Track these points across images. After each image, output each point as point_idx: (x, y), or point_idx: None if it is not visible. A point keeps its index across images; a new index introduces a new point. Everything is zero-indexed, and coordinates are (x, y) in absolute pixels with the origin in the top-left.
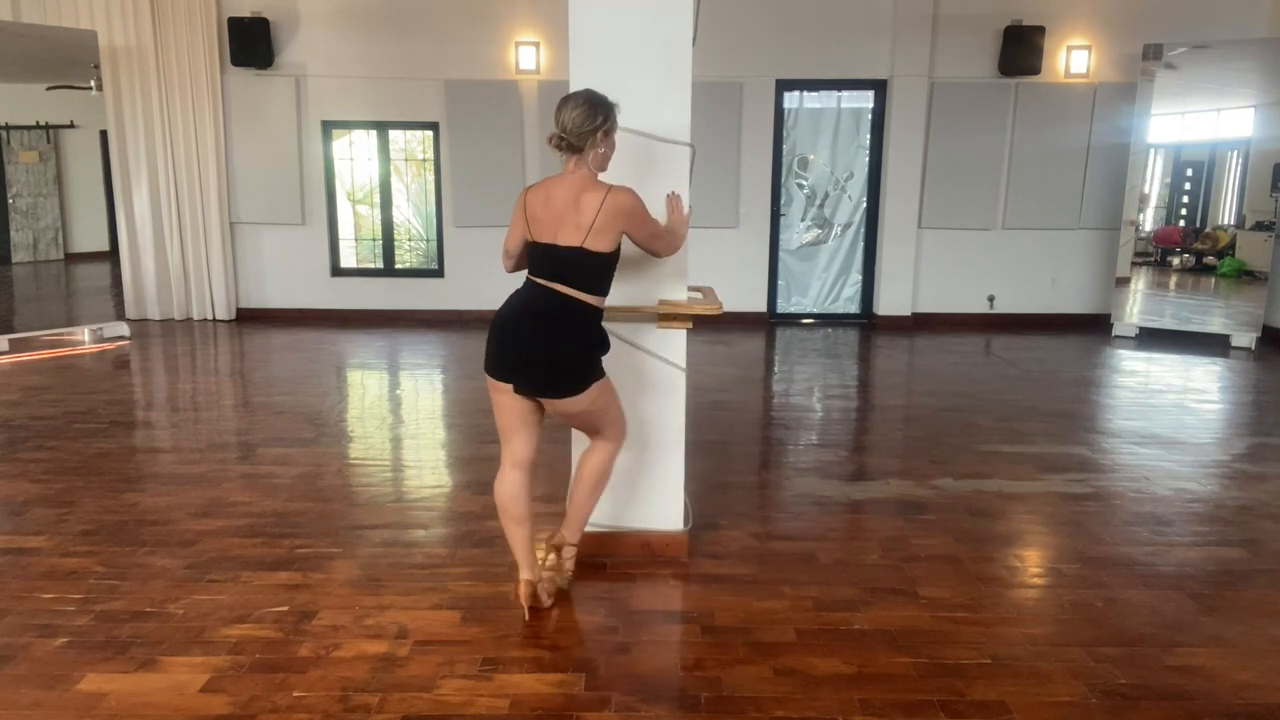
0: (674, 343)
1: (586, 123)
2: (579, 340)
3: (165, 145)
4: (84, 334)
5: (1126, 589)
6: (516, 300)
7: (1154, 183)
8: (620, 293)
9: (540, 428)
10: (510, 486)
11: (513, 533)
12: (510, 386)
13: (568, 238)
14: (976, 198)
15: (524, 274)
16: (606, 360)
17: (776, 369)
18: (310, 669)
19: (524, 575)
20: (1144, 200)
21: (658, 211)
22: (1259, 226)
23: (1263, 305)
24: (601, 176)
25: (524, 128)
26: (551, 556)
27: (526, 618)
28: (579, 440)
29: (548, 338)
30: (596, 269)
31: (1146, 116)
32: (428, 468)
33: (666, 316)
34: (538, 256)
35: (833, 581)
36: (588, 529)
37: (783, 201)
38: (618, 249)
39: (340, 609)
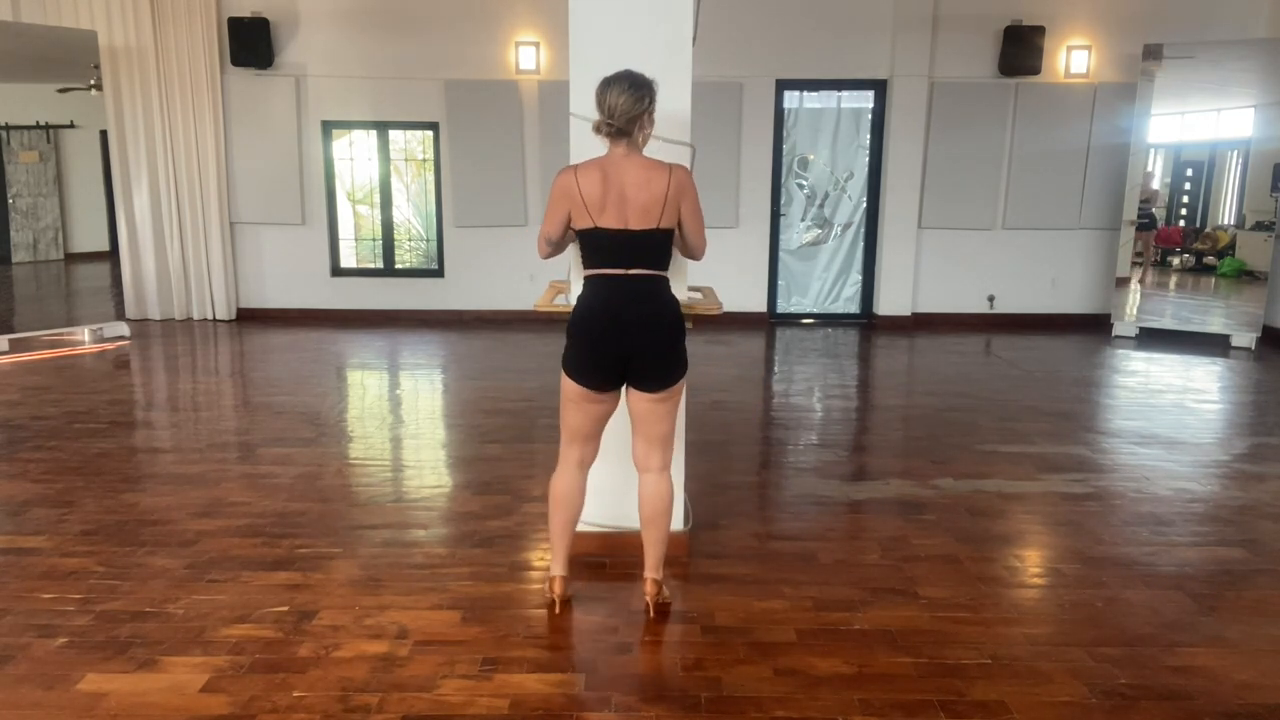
0: None
1: (635, 106)
2: (674, 317)
3: (165, 145)
4: (84, 334)
5: (1126, 589)
6: (604, 299)
7: (1155, 180)
8: None
9: None
10: (575, 483)
11: (564, 529)
12: (610, 394)
13: (639, 221)
14: (976, 198)
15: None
16: None
17: (776, 369)
18: (310, 669)
19: (558, 571)
20: (1154, 197)
21: None
22: (1259, 226)
23: (1263, 305)
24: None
25: (524, 128)
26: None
27: (557, 610)
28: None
29: (663, 322)
30: (668, 246)
31: (1146, 116)
32: (428, 468)
33: None
34: (607, 243)
35: (833, 581)
36: (588, 528)
37: (783, 201)
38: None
39: (340, 609)
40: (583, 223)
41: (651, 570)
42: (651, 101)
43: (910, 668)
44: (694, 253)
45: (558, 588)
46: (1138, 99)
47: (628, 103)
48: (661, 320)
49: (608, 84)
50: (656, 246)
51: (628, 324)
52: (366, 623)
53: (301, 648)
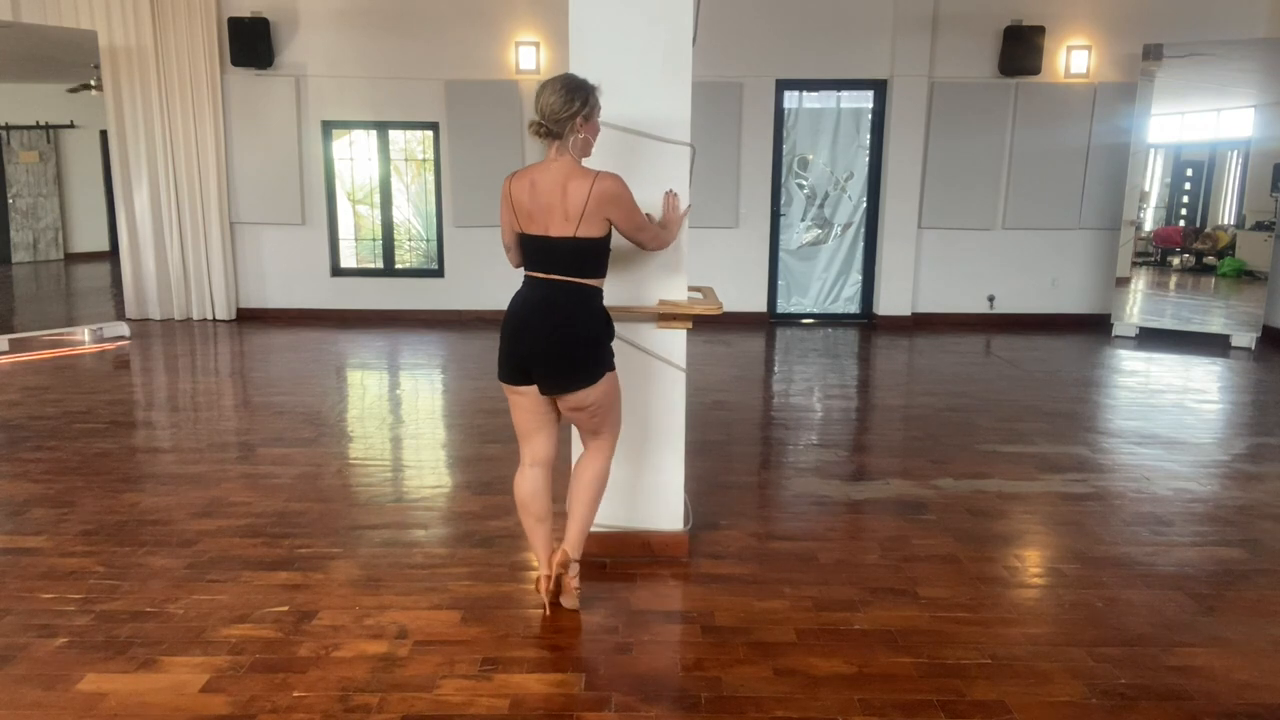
0: (674, 343)
1: (564, 109)
2: (589, 327)
3: (165, 145)
4: (84, 334)
5: (1126, 589)
6: (521, 300)
7: (1154, 182)
8: (620, 292)
9: (557, 425)
10: (531, 484)
11: (533, 530)
12: (528, 389)
13: (559, 228)
14: (976, 198)
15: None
16: None
17: (776, 369)
18: (310, 669)
19: (545, 571)
20: (1144, 198)
21: (657, 210)
22: (1259, 226)
23: (1263, 305)
24: (592, 165)
25: (524, 128)
26: (553, 578)
27: (547, 612)
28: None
29: (561, 330)
30: (592, 254)
31: (1146, 116)
32: (428, 468)
33: (666, 317)
34: (532, 249)
35: (833, 581)
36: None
37: (783, 201)
38: (610, 232)
39: (340, 609)
40: (515, 227)
41: (566, 541)
42: (585, 106)
43: (910, 668)
44: (644, 247)
45: (543, 586)
46: (1138, 99)
47: (557, 104)
48: (560, 327)
49: (544, 84)
50: (575, 254)
51: (527, 325)
52: (366, 623)
53: (301, 648)
